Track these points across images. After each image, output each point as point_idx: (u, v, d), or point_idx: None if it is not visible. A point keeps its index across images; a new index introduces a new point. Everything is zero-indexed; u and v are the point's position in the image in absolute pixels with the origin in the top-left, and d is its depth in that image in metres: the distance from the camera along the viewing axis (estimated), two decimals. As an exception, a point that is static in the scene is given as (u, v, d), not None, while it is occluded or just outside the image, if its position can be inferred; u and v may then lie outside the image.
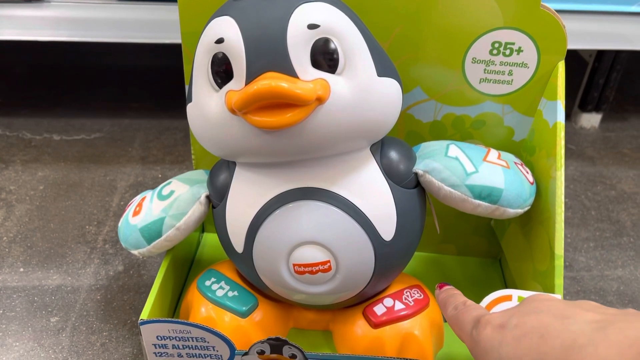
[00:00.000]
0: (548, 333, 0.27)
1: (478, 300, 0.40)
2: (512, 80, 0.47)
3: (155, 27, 0.73)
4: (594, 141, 0.89)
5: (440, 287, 0.41)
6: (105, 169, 0.78)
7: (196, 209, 0.46)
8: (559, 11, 0.45)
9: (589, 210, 0.73)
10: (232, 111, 0.36)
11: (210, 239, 0.63)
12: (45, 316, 0.55)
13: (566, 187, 0.78)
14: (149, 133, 0.87)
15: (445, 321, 0.50)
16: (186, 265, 0.58)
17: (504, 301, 0.40)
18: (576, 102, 0.92)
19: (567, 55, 0.46)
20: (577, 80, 0.89)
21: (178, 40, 0.50)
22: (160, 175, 0.77)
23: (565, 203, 0.74)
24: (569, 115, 0.93)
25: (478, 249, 0.61)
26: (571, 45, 0.46)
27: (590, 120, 0.92)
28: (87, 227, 0.67)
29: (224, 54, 0.36)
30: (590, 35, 0.74)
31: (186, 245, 0.57)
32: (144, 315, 0.44)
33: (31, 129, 0.86)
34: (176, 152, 0.83)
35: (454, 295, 0.37)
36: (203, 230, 0.64)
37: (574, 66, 0.80)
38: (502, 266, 0.60)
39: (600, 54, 0.84)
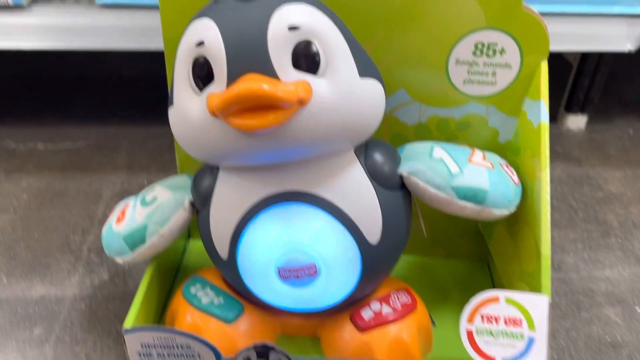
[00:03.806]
0: None
1: (464, 303, 0.40)
2: (495, 81, 0.47)
3: (139, 33, 0.72)
4: (580, 143, 0.89)
5: None
6: (91, 177, 0.77)
7: (180, 215, 0.45)
8: (541, 14, 0.45)
9: (576, 211, 0.74)
10: (214, 114, 0.35)
11: (197, 246, 0.63)
12: (28, 327, 0.54)
13: (553, 189, 0.78)
14: (135, 140, 0.86)
15: (434, 324, 0.50)
16: (172, 272, 0.57)
17: (492, 303, 0.40)
18: (562, 104, 0.92)
19: (551, 58, 0.46)
20: (563, 82, 0.90)
21: (162, 47, 0.49)
22: (146, 183, 0.76)
23: (553, 205, 0.75)
24: (555, 117, 0.94)
25: (466, 251, 0.61)
26: (555, 48, 0.46)
27: (576, 121, 0.92)
28: (71, 236, 0.66)
29: (204, 57, 0.36)
30: (573, 38, 0.74)
31: (172, 253, 0.56)
32: (128, 323, 0.43)
33: (15, 138, 0.85)
34: (162, 159, 0.82)
35: None
36: (189, 237, 0.64)
37: (559, 68, 0.81)
38: (490, 269, 0.60)
39: (585, 55, 0.84)
